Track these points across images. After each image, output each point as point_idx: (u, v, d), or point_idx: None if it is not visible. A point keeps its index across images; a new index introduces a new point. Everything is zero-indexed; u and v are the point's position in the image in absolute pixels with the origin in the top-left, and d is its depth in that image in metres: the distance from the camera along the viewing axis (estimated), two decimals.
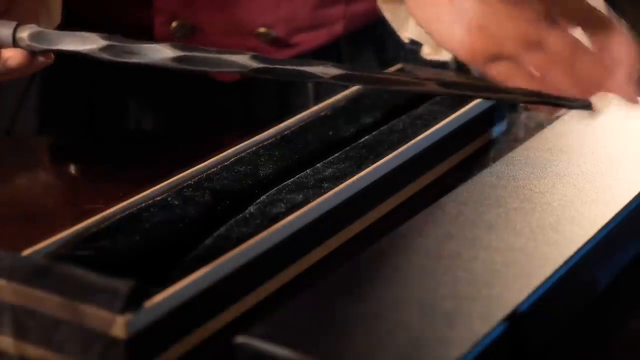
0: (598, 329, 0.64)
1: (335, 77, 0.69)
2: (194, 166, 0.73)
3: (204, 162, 0.74)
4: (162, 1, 0.95)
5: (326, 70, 0.69)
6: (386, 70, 0.78)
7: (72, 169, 0.89)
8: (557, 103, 0.69)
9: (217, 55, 0.70)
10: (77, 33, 0.70)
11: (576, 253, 0.62)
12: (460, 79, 0.69)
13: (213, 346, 0.62)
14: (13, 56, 0.71)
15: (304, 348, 0.53)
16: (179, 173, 0.72)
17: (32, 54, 0.71)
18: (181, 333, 0.60)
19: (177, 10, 0.95)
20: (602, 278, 0.67)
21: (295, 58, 0.71)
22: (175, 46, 0.70)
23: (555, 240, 0.63)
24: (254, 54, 0.70)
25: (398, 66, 0.91)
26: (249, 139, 0.77)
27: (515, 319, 0.56)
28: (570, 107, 0.69)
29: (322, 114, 0.83)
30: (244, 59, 0.69)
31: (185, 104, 1.00)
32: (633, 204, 0.68)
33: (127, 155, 0.89)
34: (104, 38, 0.70)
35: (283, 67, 0.70)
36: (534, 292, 0.58)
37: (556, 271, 0.60)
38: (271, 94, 1.00)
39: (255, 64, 0.69)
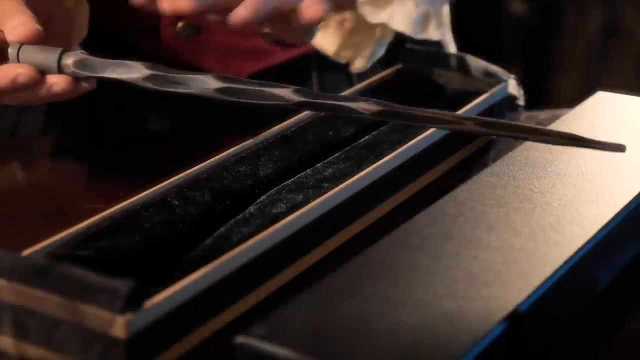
0: (598, 329, 0.64)
1: (375, 114, 0.70)
2: (194, 166, 0.73)
3: (204, 162, 0.74)
4: None
5: (367, 107, 0.70)
6: (385, 72, 0.79)
7: (73, 169, 0.89)
8: (590, 146, 0.69)
9: (260, 88, 0.70)
10: (122, 62, 0.72)
11: (576, 253, 0.62)
12: (498, 120, 0.70)
13: (213, 346, 0.62)
14: (58, 82, 0.72)
15: (304, 348, 0.53)
16: (179, 173, 0.72)
17: (76, 79, 0.72)
18: (181, 333, 0.60)
19: None
20: (602, 278, 0.67)
21: (337, 94, 0.72)
22: (219, 77, 0.70)
23: (555, 240, 0.63)
24: (297, 87, 0.70)
25: (397, 66, 0.92)
26: (249, 139, 0.77)
27: (515, 319, 0.56)
28: (603, 149, 0.69)
29: (322, 114, 0.83)
30: (286, 92, 0.70)
31: (186, 104, 1.00)
32: (633, 204, 0.68)
33: (127, 156, 0.89)
34: (148, 67, 0.71)
35: (324, 101, 0.70)
36: (534, 292, 0.58)
37: (556, 271, 0.60)
38: None
39: (297, 98, 0.70)
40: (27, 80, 0.72)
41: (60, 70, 0.72)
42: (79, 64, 0.72)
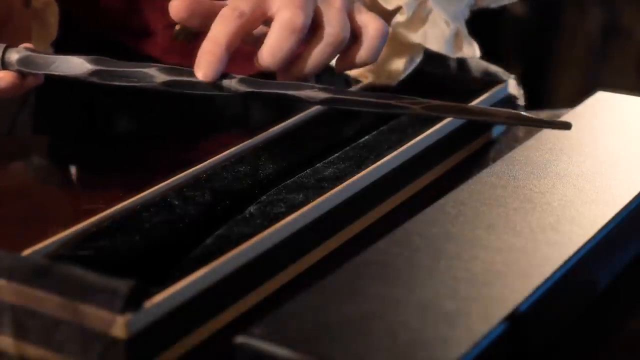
0: (598, 329, 0.64)
1: (322, 101, 0.70)
2: (194, 166, 0.73)
3: (204, 162, 0.74)
4: (166, 3, 0.95)
5: (313, 94, 0.70)
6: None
7: (72, 169, 0.89)
8: (537, 124, 0.70)
9: (204, 81, 0.70)
10: (66, 57, 0.71)
11: (576, 253, 0.62)
12: (445, 103, 0.70)
13: (213, 346, 0.62)
14: (3, 77, 0.72)
15: (304, 348, 0.53)
16: (179, 173, 0.72)
17: (23, 76, 0.72)
18: (181, 333, 0.60)
19: None
20: (602, 278, 0.67)
21: (284, 82, 0.72)
22: (164, 70, 0.70)
23: (555, 240, 0.63)
24: (242, 77, 0.71)
25: None
26: (249, 139, 0.77)
27: (515, 319, 0.56)
28: (550, 127, 0.71)
29: (322, 114, 0.83)
30: (232, 83, 0.70)
31: (187, 104, 1.00)
32: (633, 204, 0.68)
33: (127, 156, 0.89)
34: (91, 62, 0.71)
35: (271, 91, 0.70)
36: (534, 292, 0.58)
37: (556, 271, 0.60)
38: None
39: (243, 88, 0.70)
40: None
41: (4, 66, 0.72)
42: (22, 61, 0.72)
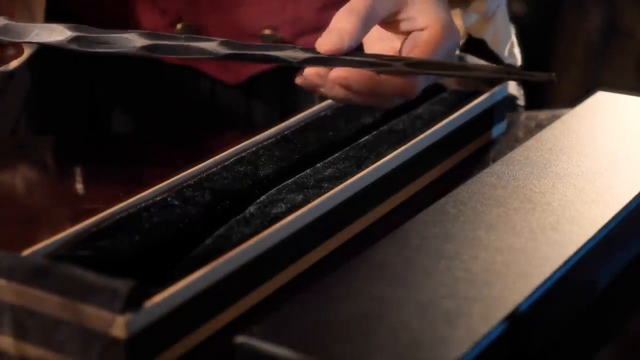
0: (598, 329, 0.64)
1: (303, 61, 0.69)
2: (194, 166, 0.73)
3: (204, 162, 0.74)
4: (167, 3, 0.95)
5: (294, 54, 0.69)
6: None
7: (72, 169, 0.89)
8: (521, 78, 0.70)
9: (186, 43, 0.69)
10: (45, 25, 0.70)
11: (576, 253, 0.62)
12: (427, 60, 0.70)
13: (213, 346, 0.62)
14: None
15: (304, 348, 0.53)
16: (179, 173, 0.72)
17: (2, 46, 0.71)
18: (181, 333, 0.60)
19: (182, 12, 0.95)
20: (602, 278, 0.67)
21: (265, 43, 0.71)
22: (144, 35, 0.70)
23: (555, 240, 0.63)
24: (224, 40, 0.70)
25: None
26: (249, 139, 0.77)
27: (515, 319, 0.56)
28: (533, 79, 0.71)
29: (322, 114, 0.83)
30: (212, 46, 0.70)
31: (187, 104, 1.00)
32: (633, 204, 0.68)
33: (127, 156, 0.89)
34: (71, 29, 0.70)
35: (252, 52, 0.70)
36: (534, 292, 0.58)
37: (556, 271, 0.60)
38: (275, 95, 1.00)
39: (224, 51, 0.69)
40: None
41: None
42: (1, 30, 0.71)
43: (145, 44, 0.69)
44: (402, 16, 0.73)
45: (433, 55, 0.71)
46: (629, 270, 0.69)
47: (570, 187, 0.70)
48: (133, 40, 0.70)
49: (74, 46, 0.70)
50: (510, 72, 0.70)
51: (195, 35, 0.71)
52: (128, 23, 0.96)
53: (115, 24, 0.97)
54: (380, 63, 0.70)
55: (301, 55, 0.70)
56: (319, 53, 0.70)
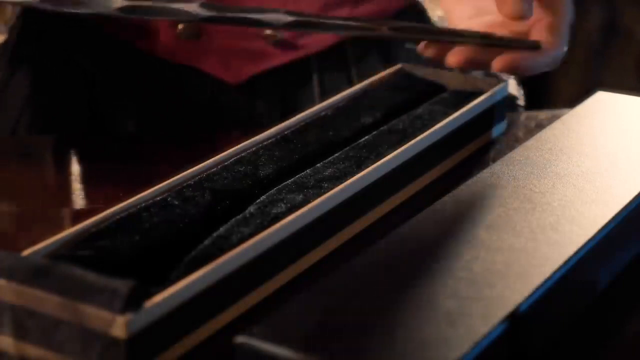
0: (598, 329, 0.64)
1: (287, 24, 0.68)
2: (194, 166, 0.73)
3: (204, 162, 0.74)
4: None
5: (277, 17, 0.68)
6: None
7: (72, 168, 0.89)
8: (507, 44, 0.71)
9: (164, 5, 0.68)
10: None
11: (576, 253, 0.62)
12: (412, 24, 0.70)
13: (213, 346, 0.62)
14: None
15: (304, 348, 0.53)
16: (179, 173, 0.72)
17: None
18: (181, 333, 0.60)
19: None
20: (602, 278, 0.67)
21: (246, 6, 0.70)
22: None
23: (555, 240, 0.63)
24: (203, 2, 0.68)
25: (397, 66, 0.91)
26: (249, 139, 0.77)
27: (515, 319, 0.57)
28: (519, 47, 0.71)
29: (322, 114, 0.83)
30: (192, 7, 0.68)
31: (188, 104, 1.00)
32: (633, 204, 0.68)
33: (127, 155, 0.89)
34: None
35: (234, 15, 0.68)
36: (534, 292, 0.58)
37: (556, 271, 0.60)
38: (275, 95, 1.00)
39: (204, 12, 0.68)
40: None
41: None
42: None
43: (123, 6, 0.67)
44: None
45: (562, 28, 0.73)
46: (629, 270, 0.69)
47: (570, 187, 0.70)
48: (112, 1, 0.68)
49: (47, 6, 0.67)
50: (497, 38, 0.70)
51: None
52: (127, 22, 0.96)
53: (114, 22, 0.97)
54: (364, 27, 0.69)
55: (283, 18, 0.68)
56: (302, 16, 0.68)
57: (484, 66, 0.72)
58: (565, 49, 0.75)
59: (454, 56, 0.71)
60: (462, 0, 0.77)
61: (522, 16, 0.70)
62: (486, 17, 0.76)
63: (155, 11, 0.67)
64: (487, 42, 0.71)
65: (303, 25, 0.68)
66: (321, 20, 0.68)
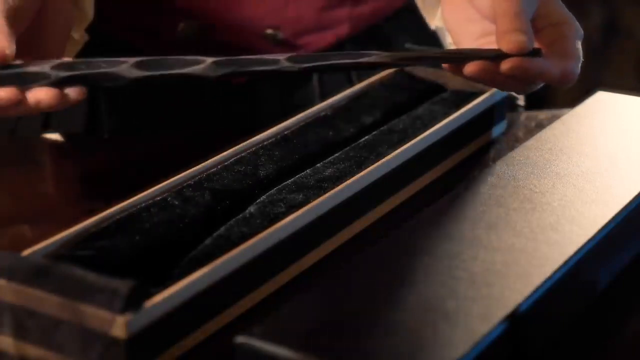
0: (598, 329, 0.64)
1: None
2: (194, 166, 0.73)
3: (204, 162, 0.74)
4: (170, 2, 0.95)
5: (288, 66, 0.70)
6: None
7: (73, 169, 0.89)
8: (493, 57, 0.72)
9: (178, 71, 0.69)
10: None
11: (576, 253, 0.62)
12: (406, 53, 0.71)
13: (213, 346, 0.62)
14: (44, 98, 0.68)
15: (304, 348, 0.53)
16: (179, 173, 0.72)
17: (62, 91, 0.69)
18: (181, 333, 0.60)
19: (185, 12, 0.95)
20: (602, 278, 0.67)
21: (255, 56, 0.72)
22: (137, 64, 0.69)
23: (555, 240, 0.63)
24: (215, 59, 0.70)
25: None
26: (249, 139, 0.77)
27: (515, 319, 0.57)
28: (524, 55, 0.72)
29: (322, 114, 0.83)
30: (205, 65, 0.70)
31: (188, 104, 1.00)
32: (633, 204, 0.68)
33: (127, 155, 0.89)
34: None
35: (243, 69, 0.70)
36: (534, 292, 0.58)
37: (556, 271, 0.60)
38: (275, 95, 1.00)
39: (216, 72, 0.70)
40: (7, 102, 0.67)
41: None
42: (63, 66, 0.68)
43: (139, 76, 0.69)
44: (540, 12, 0.75)
45: (572, 48, 0.74)
46: (629, 270, 0.69)
47: (570, 187, 0.70)
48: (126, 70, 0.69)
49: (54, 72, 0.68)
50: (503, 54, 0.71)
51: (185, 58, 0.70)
52: (128, 21, 0.96)
53: (114, 22, 0.97)
54: (377, 63, 0.71)
55: (291, 66, 0.70)
56: (308, 60, 0.70)
57: (500, 76, 0.73)
58: (579, 67, 0.75)
59: (471, 67, 0.72)
60: (470, 20, 0.77)
61: (521, 50, 0.70)
62: (494, 37, 0.77)
63: (168, 77, 0.69)
64: (495, 55, 0.72)
65: (310, 70, 0.71)
66: (329, 62, 0.71)
